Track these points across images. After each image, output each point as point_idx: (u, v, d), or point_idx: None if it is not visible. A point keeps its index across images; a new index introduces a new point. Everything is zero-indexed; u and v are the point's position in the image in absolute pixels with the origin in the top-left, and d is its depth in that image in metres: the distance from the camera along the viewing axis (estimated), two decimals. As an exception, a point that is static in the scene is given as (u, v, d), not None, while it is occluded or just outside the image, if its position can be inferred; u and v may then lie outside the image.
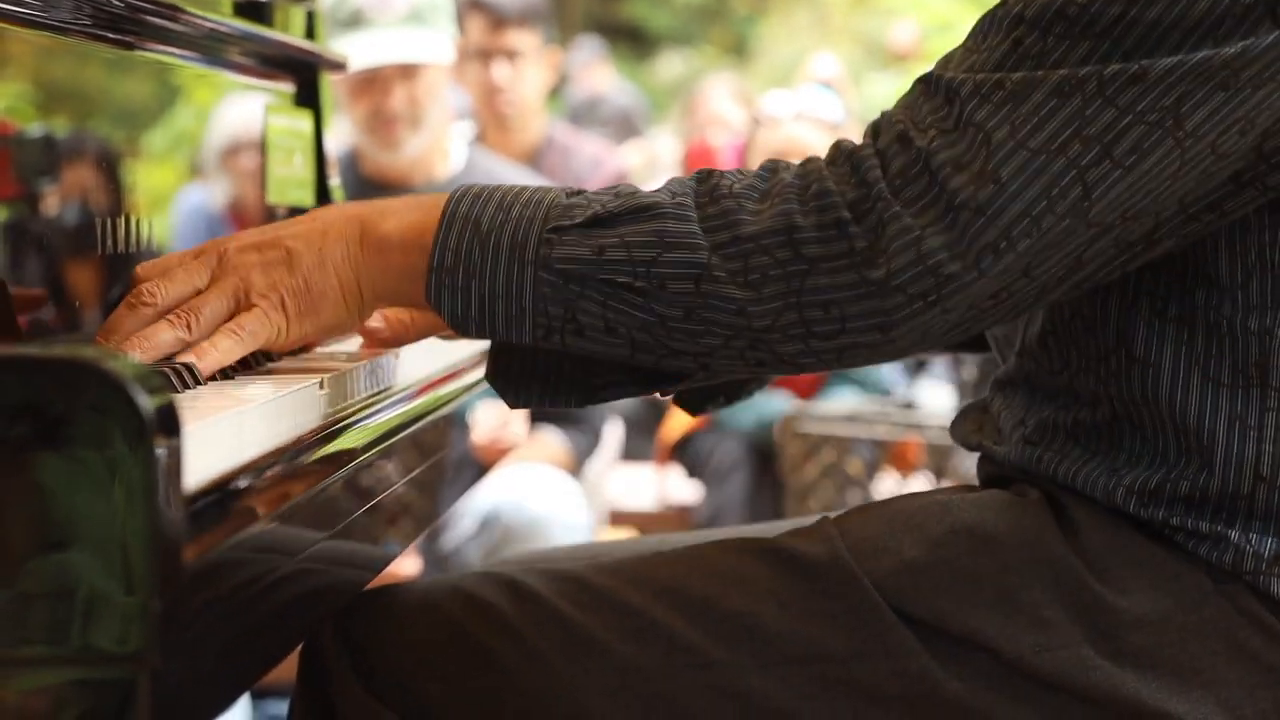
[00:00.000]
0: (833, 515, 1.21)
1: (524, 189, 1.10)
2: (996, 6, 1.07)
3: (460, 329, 1.10)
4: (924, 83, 1.07)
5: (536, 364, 1.14)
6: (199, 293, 1.12)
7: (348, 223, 1.12)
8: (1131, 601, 1.11)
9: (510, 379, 1.16)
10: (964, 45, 1.09)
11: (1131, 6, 1.02)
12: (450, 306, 1.08)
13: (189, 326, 1.09)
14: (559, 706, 1.13)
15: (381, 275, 1.11)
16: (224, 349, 1.09)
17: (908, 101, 1.07)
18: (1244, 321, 1.10)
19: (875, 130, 1.07)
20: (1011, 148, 1.02)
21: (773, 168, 1.08)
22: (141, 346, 1.08)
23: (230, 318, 1.11)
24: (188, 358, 1.08)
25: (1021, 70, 1.03)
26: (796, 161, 1.08)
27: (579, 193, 1.09)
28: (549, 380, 1.15)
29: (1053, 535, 1.13)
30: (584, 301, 1.06)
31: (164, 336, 1.09)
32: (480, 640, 1.15)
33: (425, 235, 1.09)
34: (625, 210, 1.06)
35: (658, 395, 1.18)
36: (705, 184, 1.07)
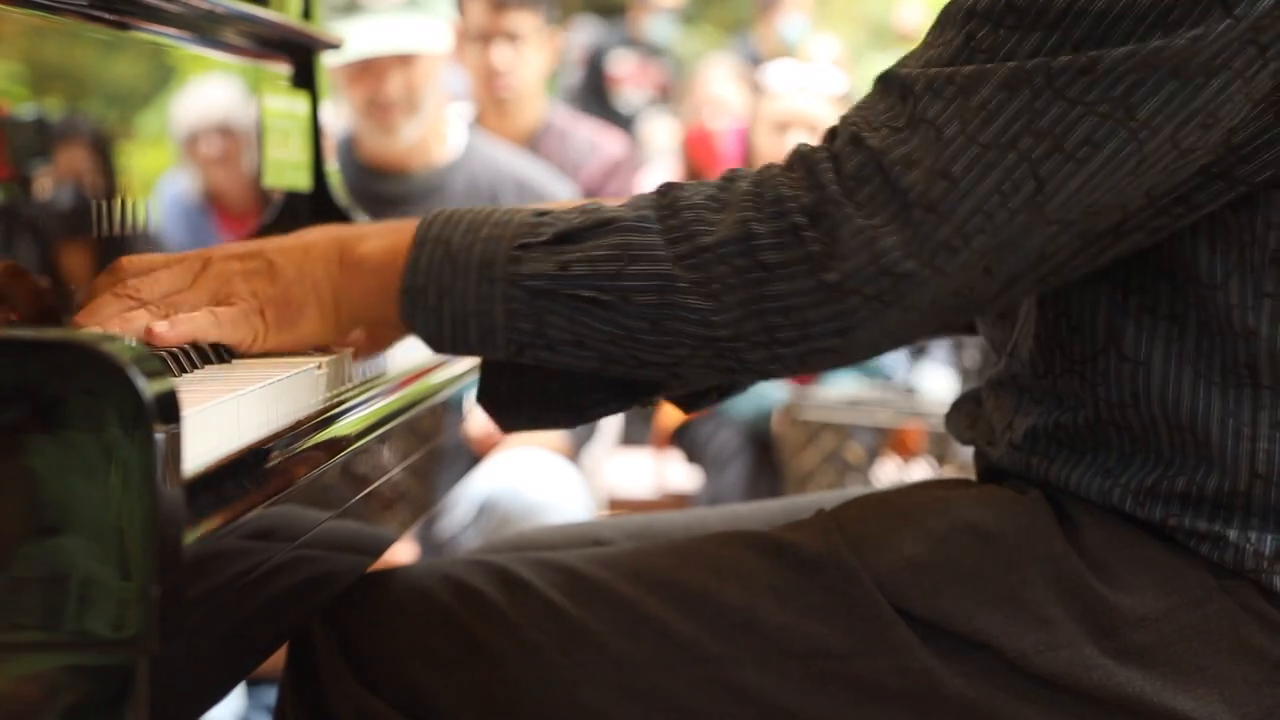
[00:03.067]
0: (829, 507, 1.20)
1: (495, 209, 1.12)
2: (951, 2, 1.07)
3: (435, 346, 1.12)
4: (880, 81, 1.07)
5: (524, 387, 1.16)
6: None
7: (329, 243, 1.15)
8: (1134, 600, 1.10)
9: (499, 402, 1.18)
10: (922, 42, 1.08)
11: None
12: (424, 325, 1.11)
13: (166, 316, 1.10)
14: (552, 698, 1.13)
15: (359, 296, 1.13)
16: (198, 323, 1.10)
17: (864, 102, 1.07)
18: (1229, 320, 1.09)
19: (832, 133, 1.07)
20: (962, 143, 1.02)
21: (731, 176, 1.08)
22: (119, 330, 1.08)
23: None
24: (161, 325, 1.09)
25: (973, 64, 1.03)
26: (755, 170, 1.08)
27: (546, 212, 1.11)
28: (537, 402, 1.16)
29: (1054, 533, 1.12)
30: (552, 316, 1.07)
31: (142, 322, 1.10)
32: (471, 629, 1.14)
33: (399, 257, 1.11)
34: (588, 225, 1.08)
35: (640, 407, 1.19)
36: (666, 197, 1.08)
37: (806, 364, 1.07)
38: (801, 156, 1.06)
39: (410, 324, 1.11)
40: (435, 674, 1.14)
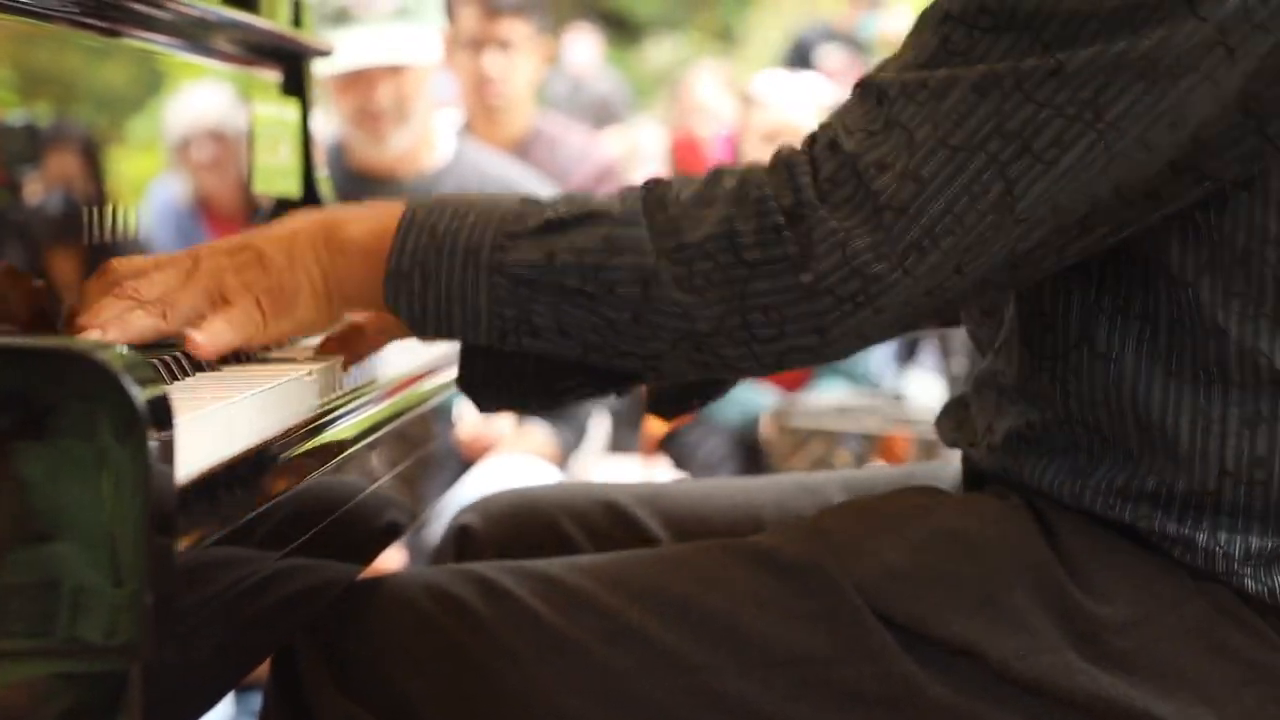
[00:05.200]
0: (811, 514, 1.20)
1: (480, 196, 1.14)
2: (929, 6, 1.08)
3: (418, 331, 1.13)
4: (859, 87, 1.09)
5: (502, 371, 1.18)
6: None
7: (315, 227, 1.15)
8: (1113, 605, 1.11)
9: (478, 385, 1.19)
10: (901, 47, 1.10)
11: None
12: (408, 309, 1.11)
13: (164, 316, 1.11)
14: (534, 707, 1.12)
15: (346, 277, 1.14)
16: (218, 330, 1.11)
17: (843, 106, 1.09)
18: (1201, 318, 1.10)
19: (812, 137, 1.09)
20: (932, 146, 1.03)
21: (717, 174, 1.10)
22: (120, 330, 1.09)
23: (203, 316, 1.12)
24: (194, 334, 1.09)
25: (947, 67, 1.05)
26: (740, 168, 1.10)
27: (534, 200, 1.12)
28: (514, 386, 1.18)
29: (1034, 539, 1.13)
30: (536, 304, 1.09)
31: (141, 322, 1.10)
32: (453, 638, 1.14)
33: (384, 240, 1.12)
34: (575, 216, 1.09)
35: (615, 396, 1.20)
36: (654, 191, 1.10)
37: (784, 362, 1.09)
38: (783, 159, 1.07)
39: (394, 307, 1.12)
40: (418, 682, 1.14)
